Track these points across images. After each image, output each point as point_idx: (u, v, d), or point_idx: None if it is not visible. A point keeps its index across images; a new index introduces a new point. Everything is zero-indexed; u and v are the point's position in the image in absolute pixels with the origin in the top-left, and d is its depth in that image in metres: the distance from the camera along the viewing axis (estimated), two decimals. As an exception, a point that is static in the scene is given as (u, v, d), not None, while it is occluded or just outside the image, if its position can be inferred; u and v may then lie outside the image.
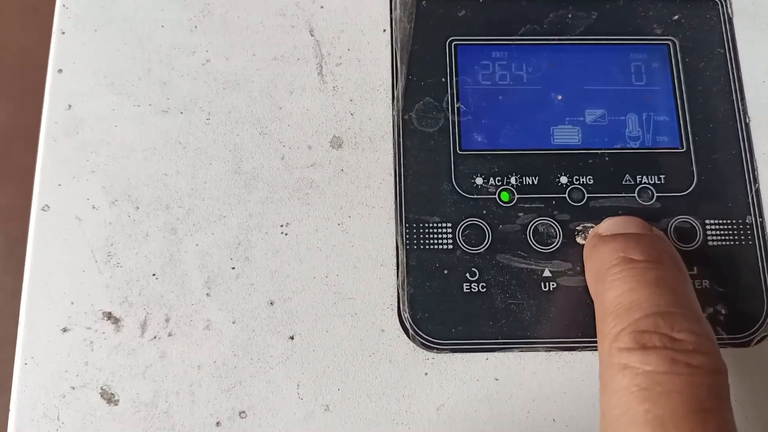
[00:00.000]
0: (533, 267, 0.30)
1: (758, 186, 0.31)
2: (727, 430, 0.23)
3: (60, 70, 0.31)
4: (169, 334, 0.28)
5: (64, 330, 0.28)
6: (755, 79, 0.33)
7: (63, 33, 0.32)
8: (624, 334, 0.24)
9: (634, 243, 0.27)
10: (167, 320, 0.28)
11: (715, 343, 0.25)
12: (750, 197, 0.31)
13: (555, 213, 0.30)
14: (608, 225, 0.29)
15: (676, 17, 0.33)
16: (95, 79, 0.31)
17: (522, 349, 0.29)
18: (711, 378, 0.23)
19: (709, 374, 0.23)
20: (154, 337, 0.28)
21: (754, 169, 0.31)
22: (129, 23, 0.32)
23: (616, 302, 0.25)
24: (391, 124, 0.31)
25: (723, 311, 0.29)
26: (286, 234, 0.30)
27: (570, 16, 0.33)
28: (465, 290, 0.29)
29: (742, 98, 0.32)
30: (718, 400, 0.23)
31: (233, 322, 0.29)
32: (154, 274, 0.29)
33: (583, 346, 0.29)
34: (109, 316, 0.29)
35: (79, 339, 0.28)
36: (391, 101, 0.32)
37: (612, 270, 0.26)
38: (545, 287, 0.30)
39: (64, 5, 0.32)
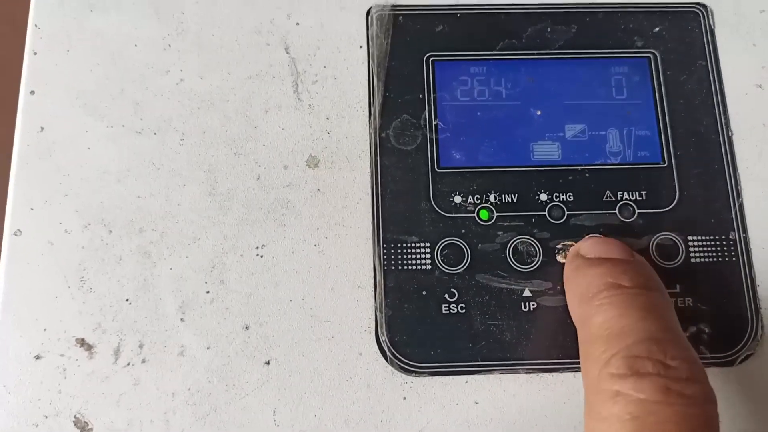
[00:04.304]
0: (513, 287, 0.29)
1: (741, 201, 0.31)
2: None
3: (32, 92, 0.31)
4: (143, 361, 0.28)
5: (37, 357, 0.28)
6: (738, 92, 0.32)
7: (35, 53, 0.32)
8: (616, 359, 0.24)
9: (622, 269, 0.26)
10: (141, 346, 0.28)
11: (705, 371, 0.24)
12: (733, 212, 0.30)
13: (535, 231, 0.30)
14: (591, 246, 0.28)
15: (656, 29, 0.33)
16: (68, 100, 0.31)
17: (502, 371, 0.28)
18: (703, 408, 0.23)
19: (702, 404, 0.23)
20: (128, 364, 0.28)
21: (737, 184, 0.31)
22: (102, 42, 0.32)
23: (605, 327, 0.25)
24: (369, 142, 0.31)
25: (707, 330, 0.29)
26: (262, 256, 0.29)
27: (549, 29, 0.32)
28: (444, 311, 0.29)
29: (725, 111, 0.32)
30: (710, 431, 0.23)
31: (208, 348, 0.28)
32: (127, 299, 0.29)
33: (564, 368, 0.28)
34: (82, 342, 0.28)
35: (52, 366, 0.28)
36: (368, 119, 0.31)
37: (599, 295, 0.26)
38: (525, 307, 0.29)
39: (36, 25, 0.32)
